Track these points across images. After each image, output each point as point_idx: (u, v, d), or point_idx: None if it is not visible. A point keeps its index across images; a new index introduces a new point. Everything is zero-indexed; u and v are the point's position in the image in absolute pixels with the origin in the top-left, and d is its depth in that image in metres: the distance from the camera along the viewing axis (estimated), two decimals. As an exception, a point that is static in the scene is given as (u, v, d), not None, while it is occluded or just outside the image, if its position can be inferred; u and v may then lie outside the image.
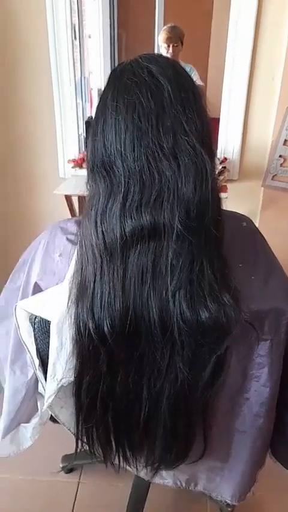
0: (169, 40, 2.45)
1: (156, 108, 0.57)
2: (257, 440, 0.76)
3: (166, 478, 0.85)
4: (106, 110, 0.61)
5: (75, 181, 1.94)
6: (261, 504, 1.28)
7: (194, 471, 0.82)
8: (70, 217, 1.97)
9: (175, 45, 2.46)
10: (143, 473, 0.81)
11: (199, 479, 0.84)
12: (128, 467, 0.82)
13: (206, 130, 0.61)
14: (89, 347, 0.64)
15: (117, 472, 0.80)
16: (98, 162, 0.61)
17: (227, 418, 0.73)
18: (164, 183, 0.57)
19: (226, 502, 0.86)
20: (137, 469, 0.80)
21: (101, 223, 0.60)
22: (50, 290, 0.73)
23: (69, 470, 1.41)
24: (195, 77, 2.59)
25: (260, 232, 0.80)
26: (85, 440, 0.73)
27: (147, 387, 0.65)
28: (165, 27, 2.54)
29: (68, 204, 1.93)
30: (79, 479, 1.39)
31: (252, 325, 0.65)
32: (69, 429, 0.78)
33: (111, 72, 0.64)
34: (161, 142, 0.57)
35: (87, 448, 0.75)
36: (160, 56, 0.65)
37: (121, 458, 0.75)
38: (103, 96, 0.63)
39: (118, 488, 1.30)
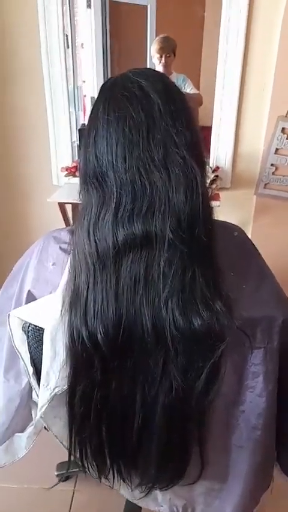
0: (162, 51, 2.48)
1: (146, 121, 0.59)
2: (256, 456, 0.73)
3: (162, 504, 0.82)
4: (98, 122, 0.62)
5: (68, 188, 1.95)
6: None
7: (191, 495, 0.79)
8: (64, 224, 1.97)
9: (167, 55, 2.49)
10: (137, 493, 0.77)
11: (196, 503, 0.81)
12: (121, 490, 0.80)
13: (196, 141, 0.62)
14: (82, 355, 0.64)
15: (112, 487, 0.78)
16: (90, 173, 0.62)
17: (222, 432, 0.72)
18: (155, 193, 0.58)
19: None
20: (131, 487, 0.77)
21: (93, 232, 0.61)
22: (44, 298, 0.73)
23: (65, 478, 1.40)
24: (190, 86, 2.62)
25: (251, 241, 0.82)
26: (78, 454, 0.72)
27: (141, 395, 0.65)
28: (157, 38, 2.57)
29: (61, 212, 1.94)
30: (74, 487, 1.38)
31: (244, 333, 0.66)
32: (61, 442, 0.77)
33: (102, 86, 0.66)
34: (152, 154, 0.58)
35: (80, 463, 0.74)
36: (150, 70, 0.67)
37: (115, 473, 0.74)
38: (94, 109, 0.64)
39: (113, 496, 1.28)
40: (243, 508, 0.77)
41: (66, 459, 0.75)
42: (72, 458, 0.74)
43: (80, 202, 0.65)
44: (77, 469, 1.34)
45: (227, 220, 0.82)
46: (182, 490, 0.76)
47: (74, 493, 1.37)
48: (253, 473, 0.74)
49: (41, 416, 0.74)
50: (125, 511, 1.23)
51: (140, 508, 1.20)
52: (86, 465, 0.73)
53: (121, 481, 0.76)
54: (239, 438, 0.72)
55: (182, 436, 0.69)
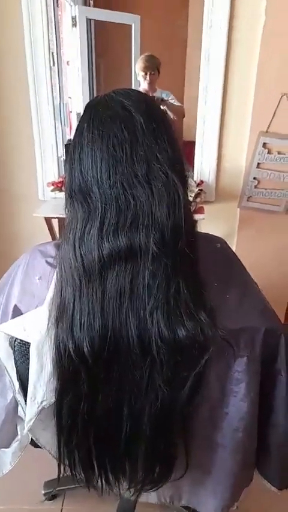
0: (146, 69, 2.53)
1: (129, 138, 0.61)
2: (238, 455, 0.77)
3: (150, 495, 0.85)
4: (83, 139, 0.64)
5: (54, 203, 1.96)
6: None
7: (177, 486, 0.83)
8: (50, 239, 1.97)
9: (152, 73, 2.54)
10: (127, 495, 0.81)
11: (183, 493, 0.85)
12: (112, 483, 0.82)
13: (178, 157, 0.64)
14: (69, 368, 0.64)
15: (101, 495, 0.79)
16: (75, 188, 0.64)
17: (208, 432, 0.75)
18: (139, 208, 0.60)
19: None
20: (119, 491, 0.79)
21: (79, 246, 0.62)
22: (30, 313, 0.73)
23: (52, 497, 1.37)
24: (173, 100, 2.68)
25: (234, 253, 0.84)
26: (67, 463, 0.73)
27: (127, 406, 0.66)
28: (142, 56, 2.63)
29: (48, 227, 1.94)
30: (62, 505, 1.36)
31: (228, 342, 0.67)
32: (50, 452, 0.77)
33: (86, 105, 0.68)
34: (135, 170, 0.60)
35: (69, 472, 0.74)
36: (133, 90, 0.69)
37: (103, 481, 0.75)
38: (79, 127, 0.66)
39: (101, 513, 1.27)
40: (226, 500, 0.82)
41: (53, 477, 0.75)
42: (62, 470, 0.74)
43: (66, 217, 0.67)
44: (65, 487, 1.33)
45: (212, 233, 0.85)
46: (169, 483, 0.78)
47: (62, 511, 1.34)
48: (235, 470, 0.78)
49: (28, 430, 0.74)
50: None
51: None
52: (74, 474, 0.74)
53: (109, 488, 0.77)
54: (223, 438, 0.75)
55: (168, 441, 0.70)
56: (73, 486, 1.34)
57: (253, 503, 1.10)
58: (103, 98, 0.67)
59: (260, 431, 0.78)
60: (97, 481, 0.75)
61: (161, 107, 1.92)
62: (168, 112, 2.09)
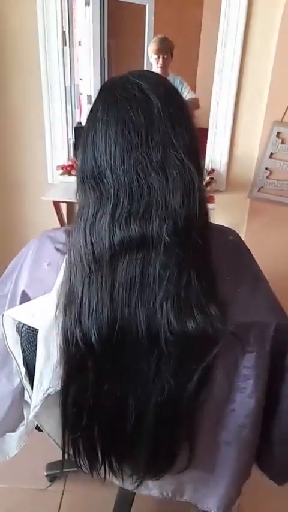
0: (159, 51, 2.48)
1: (145, 123, 0.59)
2: (242, 452, 0.77)
3: (152, 489, 0.85)
4: (97, 122, 0.62)
5: (63, 187, 1.94)
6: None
7: (180, 481, 0.82)
8: (58, 223, 1.97)
9: (165, 56, 2.49)
10: (128, 483, 0.81)
11: (185, 489, 0.84)
12: (113, 480, 0.82)
13: (194, 145, 0.63)
14: (76, 356, 0.64)
15: (103, 482, 0.80)
16: (88, 173, 0.62)
17: (212, 428, 0.74)
18: (152, 195, 0.59)
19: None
20: (122, 479, 0.80)
21: (90, 233, 0.61)
22: (38, 299, 0.73)
23: (54, 479, 1.40)
24: (187, 89, 2.63)
25: (246, 246, 0.82)
26: (71, 451, 0.73)
27: (133, 397, 0.66)
28: (155, 38, 2.57)
29: (56, 211, 1.93)
30: (64, 487, 1.38)
31: (237, 337, 0.66)
32: (54, 440, 0.78)
33: (101, 86, 0.66)
34: (150, 156, 0.59)
35: (73, 459, 0.75)
36: (150, 72, 0.67)
37: (107, 468, 0.75)
38: (93, 109, 0.64)
39: (103, 496, 1.29)
40: (228, 498, 0.82)
41: (56, 459, 0.75)
42: (65, 456, 0.74)
43: (75, 201, 0.65)
44: (67, 469, 1.35)
45: (221, 223, 0.83)
46: (172, 477, 0.78)
47: (63, 493, 1.37)
48: (238, 468, 0.78)
49: (34, 416, 0.74)
50: (115, 510, 1.23)
51: (131, 506, 1.21)
52: (78, 461, 0.74)
53: (113, 475, 0.78)
54: (228, 435, 0.74)
55: (172, 433, 0.70)
56: (75, 469, 1.36)
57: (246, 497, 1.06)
58: (119, 79, 0.65)
59: (264, 427, 0.77)
60: (100, 468, 0.75)
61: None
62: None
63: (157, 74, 0.67)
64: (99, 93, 0.65)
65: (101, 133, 0.61)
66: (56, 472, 1.38)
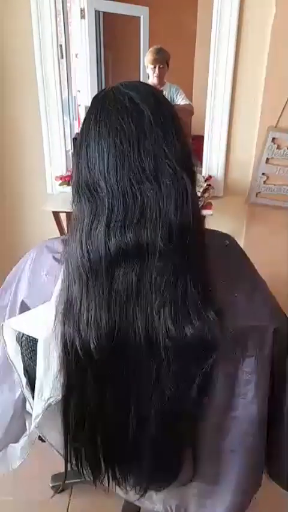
0: (155, 62, 2.51)
1: (137, 133, 0.60)
2: (248, 460, 0.75)
3: (156, 503, 0.83)
4: (89, 133, 0.63)
5: (63, 197, 1.96)
6: None
7: (184, 496, 0.80)
8: (58, 233, 1.97)
9: (161, 66, 2.52)
10: (132, 494, 0.79)
11: (189, 504, 0.82)
12: (117, 490, 0.81)
13: (186, 153, 0.63)
14: (76, 365, 0.64)
15: (107, 492, 0.79)
16: (82, 184, 0.63)
17: (215, 436, 0.73)
18: (146, 204, 0.59)
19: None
20: (126, 490, 0.78)
21: (86, 242, 0.61)
22: (37, 309, 0.73)
23: (60, 490, 1.39)
24: (182, 96, 2.65)
25: (243, 250, 0.83)
26: (74, 461, 0.73)
27: (134, 404, 0.66)
28: (151, 48, 2.60)
29: (56, 221, 1.94)
30: (69, 498, 1.37)
31: (236, 342, 0.67)
32: (57, 450, 0.78)
33: (93, 98, 0.67)
34: (143, 165, 0.59)
35: (76, 469, 0.74)
36: (141, 83, 0.68)
37: (110, 478, 0.74)
38: (86, 121, 0.65)
39: (109, 508, 1.28)
40: (234, 510, 0.79)
41: (61, 470, 0.75)
42: (68, 467, 0.74)
43: (73, 212, 0.66)
44: (72, 480, 1.34)
45: (220, 229, 0.83)
46: (176, 490, 0.77)
47: (69, 504, 1.36)
48: (244, 476, 0.76)
49: (35, 427, 0.74)
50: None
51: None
52: (81, 471, 0.74)
53: (116, 485, 0.77)
54: (231, 443, 0.73)
55: (175, 441, 0.69)
56: (80, 480, 1.35)
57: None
58: (110, 90, 0.66)
59: (269, 431, 0.76)
60: (104, 477, 0.75)
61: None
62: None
63: (147, 84, 0.69)
64: (91, 105, 0.67)
65: (94, 143, 0.62)
66: (63, 483, 1.37)
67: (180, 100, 2.63)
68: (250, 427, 0.72)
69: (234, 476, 0.76)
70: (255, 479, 0.81)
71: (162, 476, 0.73)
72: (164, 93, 2.53)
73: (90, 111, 0.66)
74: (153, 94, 0.65)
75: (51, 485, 1.37)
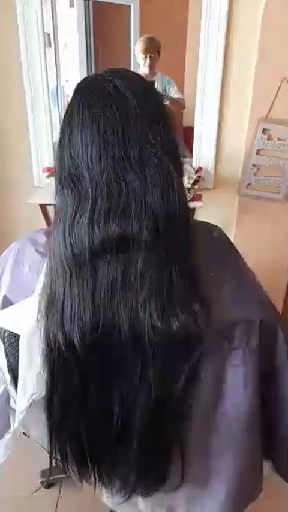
0: (146, 51, 2.47)
1: (121, 121, 0.58)
2: (239, 461, 0.71)
3: (143, 511, 0.79)
4: (72, 122, 0.61)
5: (50, 190, 1.92)
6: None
7: (171, 502, 0.76)
8: (45, 226, 1.95)
9: (152, 55, 2.49)
10: (118, 498, 0.75)
11: (178, 508, 0.76)
12: (103, 498, 0.79)
13: (173, 142, 0.62)
14: (59, 360, 0.63)
15: (94, 495, 0.77)
16: (65, 174, 0.61)
17: (203, 433, 0.70)
18: (131, 194, 0.58)
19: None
20: (112, 493, 0.75)
21: (69, 234, 0.60)
22: (20, 303, 0.72)
23: (48, 485, 1.38)
24: (174, 89, 2.62)
25: (231, 241, 0.81)
26: (59, 457, 0.71)
27: (119, 400, 0.64)
28: (142, 37, 2.57)
29: (43, 214, 1.92)
30: (59, 493, 1.37)
31: (223, 334, 0.65)
32: (42, 446, 0.76)
33: (77, 85, 0.65)
34: (128, 154, 0.58)
35: (62, 466, 0.73)
36: (126, 70, 0.66)
37: (97, 478, 0.72)
38: (70, 108, 0.63)
39: (98, 502, 1.28)
40: None
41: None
42: (54, 463, 0.72)
43: (56, 204, 0.64)
44: (62, 475, 1.34)
45: (210, 221, 0.82)
46: (163, 497, 0.74)
47: (58, 499, 1.35)
48: (235, 480, 0.71)
49: (20, 423, 0.73)
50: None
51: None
52: (67, 469, 0.72)
53: (102, 486, 0.75)
54: (220, 442, 0.70)
55: (162, 440, 0.67)
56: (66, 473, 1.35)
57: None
58: (94, 77, 0.64)
59: (266, 427, 0.74)
60: (90, 476, 0.73)
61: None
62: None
63: (133, 72, 0.67)
64: (74, 92, 0.65)
65: (77, 132, 0.60)
66: (49, 479, 1.37)
67: (173, 93, 2.61)
68: (240, 424, 0.69)
69: (224, 479, 0.71)
70: (252, 482, 0.76)
71: (149, 479, 0.70)
72: (156, 83, 2.51)
73: (73, 98, 0.64)
74: (139, 81, 0.63)
75: (40, 480, 1.37)
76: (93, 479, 0.73)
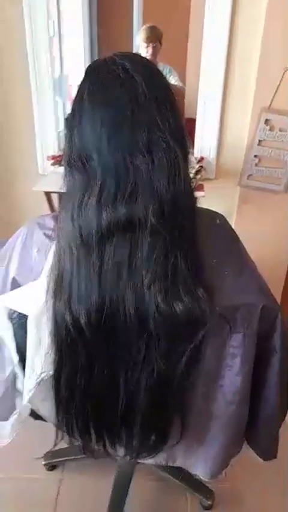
0: (148, 40, 2.46)
1: (131, 105, 0.59)
2: (229, 428, 0.80)
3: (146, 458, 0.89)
4: (82, 104, 0.62)
5: (54, 178, 1.93)
6: (241, 499, 1.32)
7: (172, 451, 0.86)
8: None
9: (154, 45, 2.48)
10: (122, 462, 0.86)
11: (177, 457, 0.89)
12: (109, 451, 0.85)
13: (180, 127, 0.63)
14: (66, 340, 0.65)
15: (96, 459, 0.83)
16: (74, 156, 0.62)
17: (203, 402, 0.76)
18: (138, 177, 0.59)
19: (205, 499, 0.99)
20: (116, 460, 0.84)
21: (77, 216, 0.61)
22: (28, 285, 0.73)
23: (52, 468, 1.41)
24: (175, 78, 2.61)
25: (233, 230, 0.83)
26: (65, 429, 0.75)
27: (124, 379, 0.67)
28: (144, 27, 2.55)
29: (48, 201, 1.92)
30: (62, 475, 1.40)
31: (225, 318, 0.68)
32: (50, 421, 0.80)
33: (87, 68, 0.66)
34: (136, 137, 0.59)
35: (67, 438, 0.77)
36: (135, 54, 0.67)
37: (100, 446, 0.78)
38: (79, 91, 0.64)
39: (100, 484, 1.31)
40: (215, 467, 0.87)
41: (54, 448, 0.78)
42: (60, 437, 0.77)
43: (64, 186, 0.65)
44: (65, 458, 1.37)
45: (212, 211, 0.84)
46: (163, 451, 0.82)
47: (60, 482, 1.38)
48: (225, 441, 0.82)
49: (28, 401, 0.75)
50: (112, 497, 1.25)
51: (127, 493, 1.23)
52: (72, 440, 0.77)
53: (106, 454, 0.81)
54: (217, 409, 0.77)
55: (164, 412, 0.72)
56: (73, 457, 1.38)
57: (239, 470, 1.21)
58: (104, 60, 0.65)
59: (251, 404, 0.80)
60: (94, 446, 0.78)
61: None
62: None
63: (142, 56, 0.68)
64: (85, 75, 0.65)
65: (87, 115, 0.61)
66: (53, 461, 1.40)
67: (173, 81, 2.60)
68: (234, 397, 0.75)
69: (217, 440, 0.82)
70: (237, 443, 0.88)
71: (151, 446, 0.76)
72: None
73: (83, 82, 0.64)
74: (148, 65, 0.64)
75: (43, 462, 1.39)
76: (96, 448, 0.79)
